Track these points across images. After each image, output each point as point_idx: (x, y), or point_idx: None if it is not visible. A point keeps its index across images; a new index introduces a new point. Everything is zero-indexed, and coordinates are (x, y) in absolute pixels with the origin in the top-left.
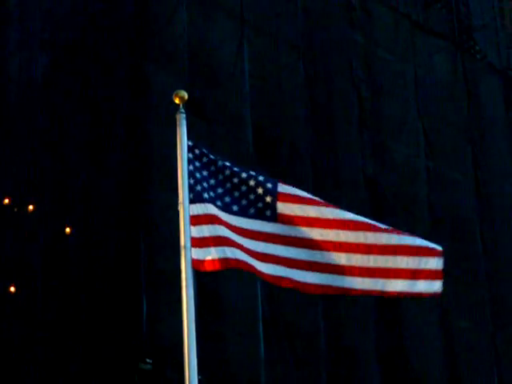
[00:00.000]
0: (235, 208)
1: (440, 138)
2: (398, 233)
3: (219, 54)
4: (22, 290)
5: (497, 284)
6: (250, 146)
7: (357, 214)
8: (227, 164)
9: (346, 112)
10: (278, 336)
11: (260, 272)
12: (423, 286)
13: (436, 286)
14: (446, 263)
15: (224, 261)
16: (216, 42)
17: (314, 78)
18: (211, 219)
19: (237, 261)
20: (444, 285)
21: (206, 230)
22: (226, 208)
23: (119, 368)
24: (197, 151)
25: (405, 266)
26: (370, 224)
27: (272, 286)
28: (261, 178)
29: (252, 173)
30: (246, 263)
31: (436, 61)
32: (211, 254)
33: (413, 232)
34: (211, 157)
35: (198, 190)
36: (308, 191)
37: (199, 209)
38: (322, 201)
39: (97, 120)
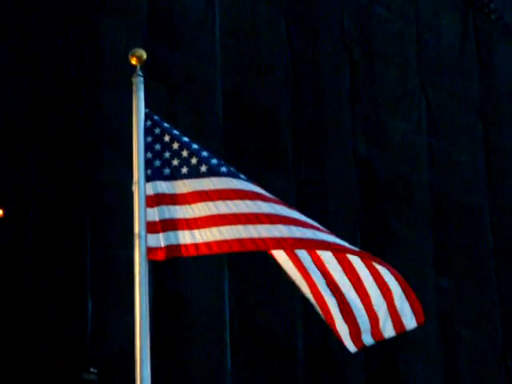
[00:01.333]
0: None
1: (446, 113)
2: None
3: (185, 7)
4: None
5: (509, 286)
6: (220, 118)
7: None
8: (176, 133)
9: (335, 79)
10: (248, 342)
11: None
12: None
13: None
14: (450, 261)
15: (180, 247)
16: None
17: (298, 38)
18: (171, 199)
19: (196, 245)
20: (447, 286)
21: (165, 212)
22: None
23: (60, 378)
24: (156, 118)
25: None
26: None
27: (242, 283)
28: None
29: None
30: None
31: (443, 21)
32: (167, 239)
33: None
34: (165, 125)
35: (157, 166)
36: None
37: (158, 187)
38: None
39: (39, 82)
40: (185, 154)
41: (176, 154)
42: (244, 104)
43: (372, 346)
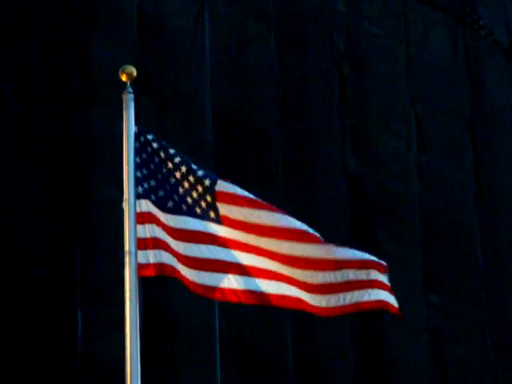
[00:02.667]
0: (184, 207)
1: (435, 129)
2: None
3: (174, 23)
4: None
5: (499, 302)
6: (210, 134)
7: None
8: (170, 152)
9: (325, 95)
10: (238, 360)
11: (189, 281)
12: (381, 296)
13: (392, 298)
14: (439, 277)
15: (161, 266)
16: (171, 8)
17: (287, 54)
18: (154, 219)
19: (172, 268)
20: (436, 302)
21: (155, 231)
22: (174, 208)
23: None
24: (142, 139)
25: (353, 278)
26: (309, 235)
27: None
28: (200, 173)
29: (193, 166)
30: (178, 272)
31: (432, 37)
32: (157, 257)
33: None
34: (154, 146)
35: (146, 187)
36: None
37: (148, 206)
38: (260, 202)
39: (27, 98)
40: (173, 181)
41: (166, 181)
42: (234, 120)
43: (362, 362)
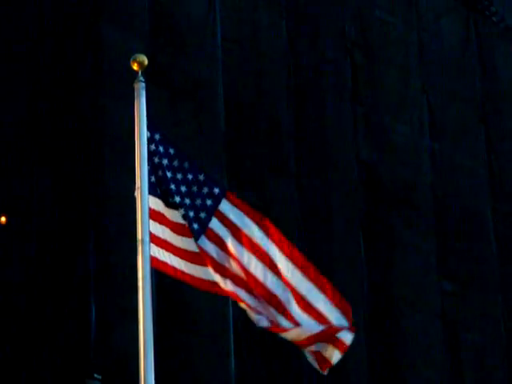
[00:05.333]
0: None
1: (447, 116)
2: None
3: (186, 12)
4: None
5: None
6: (222, 122)
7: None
8: (175, 163)
9: (337, 83)
10: (252, 349)
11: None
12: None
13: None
14: (453, 264)
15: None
16: None
17: (299, 42)
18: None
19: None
20: (450, 289)
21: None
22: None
23: None
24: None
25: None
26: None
27: None
28: (204, 190)
29: (200, 177)
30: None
31: (444, 24)
32: (171, 259)
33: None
34: (160, 149)
35: (153, 181)
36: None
37: (159, 204)
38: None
39: (39, 89)
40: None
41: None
42: (246, 109)
43: (376, 350)
